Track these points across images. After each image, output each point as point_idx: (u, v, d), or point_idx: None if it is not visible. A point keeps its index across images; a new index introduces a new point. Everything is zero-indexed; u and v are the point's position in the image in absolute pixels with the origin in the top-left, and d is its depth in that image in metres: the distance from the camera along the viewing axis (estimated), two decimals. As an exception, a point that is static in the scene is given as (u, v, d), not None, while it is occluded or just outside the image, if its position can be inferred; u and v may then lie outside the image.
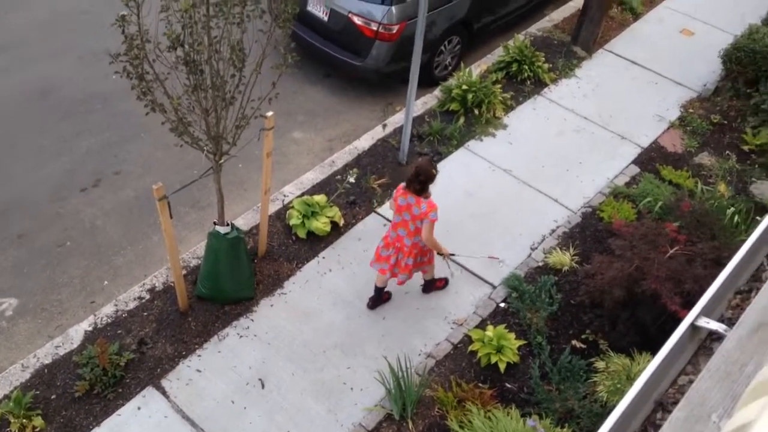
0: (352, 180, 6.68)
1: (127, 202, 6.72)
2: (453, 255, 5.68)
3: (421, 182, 5.09)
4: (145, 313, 5.71)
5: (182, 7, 3.80)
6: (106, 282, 6.06)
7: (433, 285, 6.06)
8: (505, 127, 7.81)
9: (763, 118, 7.65)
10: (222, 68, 4.42)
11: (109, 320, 5.64)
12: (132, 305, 5.75)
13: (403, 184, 5.25)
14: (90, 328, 5.58)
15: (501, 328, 5.68)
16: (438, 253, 5.52)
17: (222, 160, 4.96)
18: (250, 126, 4.95)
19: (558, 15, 9.39)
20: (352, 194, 6.85)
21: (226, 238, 5.34)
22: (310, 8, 7.84)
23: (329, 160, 7.26)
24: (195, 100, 4.48)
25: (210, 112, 4.60)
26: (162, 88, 4.33)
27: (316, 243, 6.39)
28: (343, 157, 7.31)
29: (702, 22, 9.36)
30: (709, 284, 2.44)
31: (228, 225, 5.38)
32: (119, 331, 5.57)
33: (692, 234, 5.71)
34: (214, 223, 5.38)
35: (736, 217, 6.34)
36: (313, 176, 7.05)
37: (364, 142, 7.49)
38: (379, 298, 5.91)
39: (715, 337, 2.44)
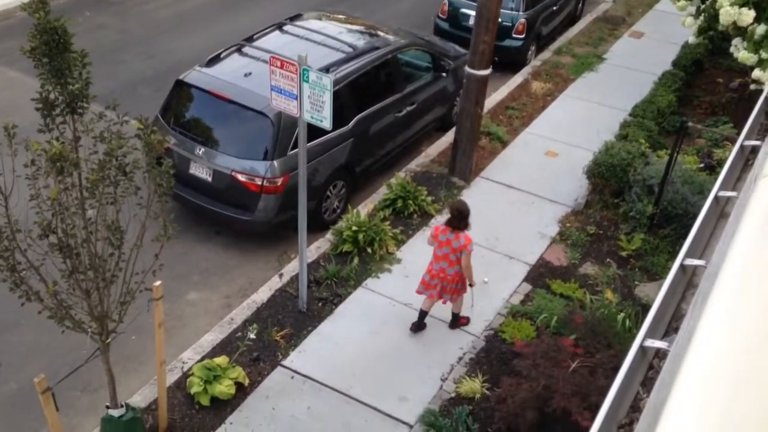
0: (252, 336, 6.52)
1: (10, 398, 6.20)
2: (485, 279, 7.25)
3: (462, 218, 6.36)
4: None
5: (51, 196, 3.75)
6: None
7: (458, 321, 7.09)
8: (399, 261, 7.97)
9: (633, 224, 8.25)
10: (100, 247, 4.32)
11: None
12: None
13: (441, 225, 6.52)
14: None
15: (423, 470, 5.50)
16: (469, 284, 6.66)
17: (109, 340, 4.74)
18: (142, 296, 4.80)
19: (433, 150, 9.96)
20: (255, 350, 6.66)
21: (120, 421, 5.00)
22: (193, 171, 7.92)
23: (228, 318, 7.09)
24: (74, 282, 4.32)
25: (91, 293, 4.43)
26: (37, 275, 4.16)
27: (221, 408, 6.09)
28: (242, 312, 7.16)
29: (562, 143, 10.20)
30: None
31: (122, 406, 5.05)
32: None
33: (590, 345, 5.90)
34: (107, 407, 5.04)
35: (627, 322, 6.63)
36: (212, 337, 6.83)
37: (263, 294, 7.40)
38: (422, 321, 7.00)
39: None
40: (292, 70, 5.87)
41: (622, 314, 6.71)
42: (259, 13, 13.28)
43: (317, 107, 5.88)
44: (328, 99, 5.79)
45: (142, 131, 4.26)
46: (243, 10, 13.67)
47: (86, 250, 4.22)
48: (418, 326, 7.02)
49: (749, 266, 3.28)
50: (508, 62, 12.11)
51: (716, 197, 5.05)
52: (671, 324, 4.23)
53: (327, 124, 5.96)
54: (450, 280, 6.56)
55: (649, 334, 3.47)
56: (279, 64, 5.93)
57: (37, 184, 4.01)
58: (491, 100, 11.26)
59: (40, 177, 4.04)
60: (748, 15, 9.04)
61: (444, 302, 6.84)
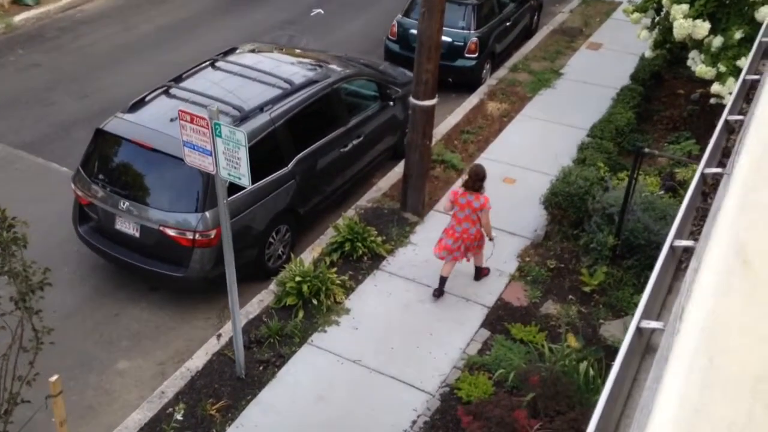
0: (180, 417, 5.89)
1: None
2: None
3: (480, 181, 7.06)
4: None
5: None
6: None
7: (481, 272, 7.77)
8: (348, 311, 7.42)
9: (595, 256, 7.78)
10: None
11: None
12: None
13: (459, 189, 7.23)
14: None
15: None
16: (489, 238, 7.33)
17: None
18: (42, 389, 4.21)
19: (385, 183, 9.44)
20: (186, 430, 6.05)
21: None
22: (119, 226, 7.32)
23: (158, 392, 6.48)
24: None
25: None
26: None
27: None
28: (174, 384, 6.55)
29: (520, 168, 9.72)
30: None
31: None
32: None
33: (548, 406, 5.39)
34: None
35: (590, 371, 6.14)
36: (139, 416, 6.22)
37: (198, 360, 6.80)
38: (443, 287, 7.53)
39: None
40: (203, 125, 5.31)
41: (585, 363, 6.21)
42: (205, 41, 12.71)
43: (233, 164, 5.33)
44: (243, 155, 5.24)
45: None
46: (186, 39, 13.08)
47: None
48: (440, 292, 7.55)
49: (711, 328, 2.80)
50: (462, 83, 11.64)
51: (672, 247, 4.58)
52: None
53: (246, 181, 5.41)
54: (472, 239, 7.23)
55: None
56: (189, 118, 5.37)
57: None
58: (446, 125, 10.79)
59: None
60: (702, 27, 8.65)
61: (468, 260, 7.49)
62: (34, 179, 9.29)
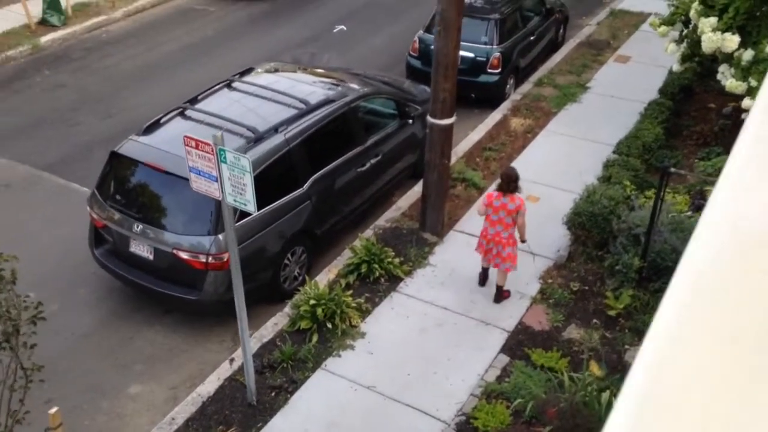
0: (188, 446, 5.78)
1: None
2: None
3: (513, 182, 7.04)
4: None
5: None
6: None
7: (502, 295, 7.58)
8: (363, 335, 7.25)
9: (620, 279, 7.48)
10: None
11: None
12: None
13: (494, 192, 7.19)
14: None
15: None
16: (521, 240, 7.28)
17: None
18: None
19: (405, 202, 9.27)
20: (195, 459, 5.94)
21: None
22: (133, 249, 7.28)
23: (168, 418, 6.38)
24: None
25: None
26: None
27: None
28: (185, 410, 6.45)
29: (544, 185, 9.47)
30: None
31: None
32: None
33: (567, 441, 5.14)
34: None
35: (612, 401, 5.85)
36: (149, 444, 6.12)
37: (210, 385, 6.68)
38: (486, 274, 7.73)
39: None
40: (208, 150, 5.22)
41: (607, 392, 5.94)
42: (229, 58, 12.77)
43: (239, 190, 5.23)
44: (249, 181, 5.13)
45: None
46: (211, 57, 13.15)
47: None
48: (485, 278, 7.73)
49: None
50: (485, 99, 11.45)
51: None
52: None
53: (251, 207, 5.31)
54: (505, 244, 7.18)
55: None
56: (194, 144, 5.28)
57: None
58: (467, 142, 10.60)
59: None
60: (731, 41, 8.33)
61: (497, 266, 7.39)
62: (54, 200, 9.35)
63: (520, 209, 7.07)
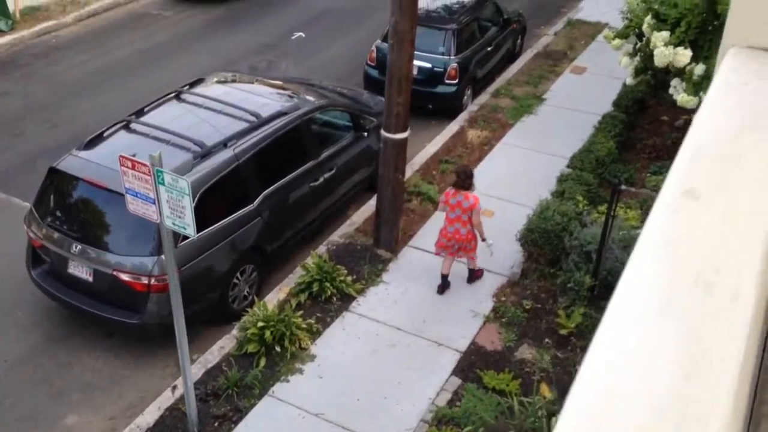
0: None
1: None
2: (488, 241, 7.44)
3: (467, 178, 7.20)
4: None
5: None
6: None
7: (474, 274, 7.77)
8: (313, 358, 7.07)
9: (572, 297, 7.44)
10: None
11: None
12: None
13: (450, 189, 7.31)
14: None
15: None
16: (482, 239, 7.37)
17: None
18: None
19: (359, 217, 9.11)
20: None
21: None
22: (72, 270, 6.98)
23: (105, 452, 6.12)
24: None
25: None
26: None
27: None
28: (122, 442, 6.19)
29: (498, 199, 9.38)
30: None
31: None
32: None
33: (514, 471, 5.03)
34: None
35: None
36: (83, 479, 5.85)
37: (149, 416, 6.42)
38: (446, 282, 7.67)
39: None
40: (144, 171, 4.99)
41: (557, 417, 5.84)
42: (183, 64, 12.46)
43: (178, 213, 5.01)
44: (188, 204, 4.92)
45: None
46: (164, 63, 12.81)
47: None
48: (443, 287, 7.69)
49: None
50: (442, 110, 11.35)
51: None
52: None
53: (191, 231, 5.10)
54: (465, 240, 7.29)
55: None
56: (130, 164, 5.05)
57: None
58: (424, 154, 10.48)
59: None
60: (683, 55, 8.35)
61: (461, 257, 7.54)
62: (-7, 216, 8.97)
63: (474, 207, 7.17)
